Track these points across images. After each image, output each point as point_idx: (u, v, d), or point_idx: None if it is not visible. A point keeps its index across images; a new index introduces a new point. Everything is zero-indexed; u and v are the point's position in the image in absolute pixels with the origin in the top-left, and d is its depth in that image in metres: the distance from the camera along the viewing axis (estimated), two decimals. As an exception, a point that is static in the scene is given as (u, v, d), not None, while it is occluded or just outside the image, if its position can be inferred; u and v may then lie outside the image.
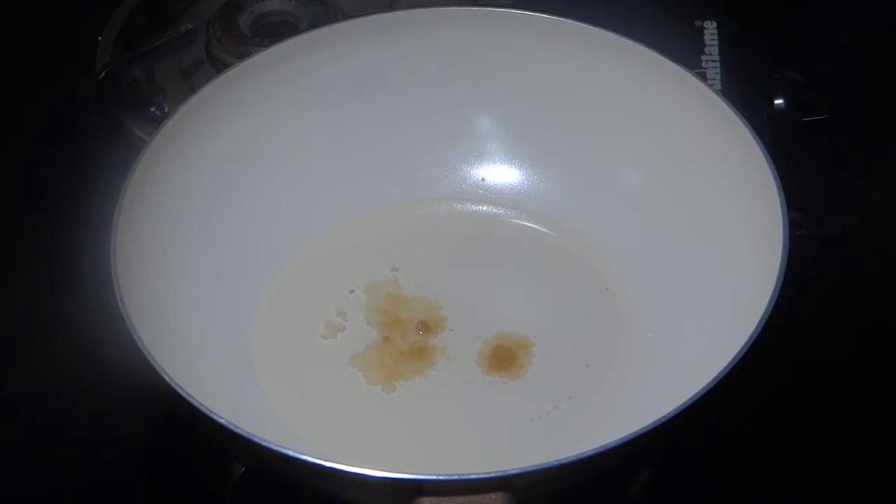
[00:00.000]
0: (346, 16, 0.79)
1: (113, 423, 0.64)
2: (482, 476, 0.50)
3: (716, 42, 0.77)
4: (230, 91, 0.68)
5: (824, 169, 0.74)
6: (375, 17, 0.71)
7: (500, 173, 0.73)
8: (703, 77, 0.70)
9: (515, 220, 0.71)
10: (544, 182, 0.71)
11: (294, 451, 0.51)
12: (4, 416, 0.64)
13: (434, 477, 0.50)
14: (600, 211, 0.69)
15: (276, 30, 0.80)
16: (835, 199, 0.73)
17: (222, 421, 0.51)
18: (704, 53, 0.76)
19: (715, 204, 0.64)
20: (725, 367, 0.52)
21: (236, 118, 0.68)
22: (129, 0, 0.82)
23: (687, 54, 0.72)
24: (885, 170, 0.75)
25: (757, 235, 0.60)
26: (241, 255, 0.67)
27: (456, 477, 0.50)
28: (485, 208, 0.72)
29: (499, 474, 0.50)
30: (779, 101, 0.74)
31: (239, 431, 0.51)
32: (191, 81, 0.78)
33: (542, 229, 0.70)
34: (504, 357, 0.64)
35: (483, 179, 0.73)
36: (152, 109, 0.76)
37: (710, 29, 0.78)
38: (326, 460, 0.50)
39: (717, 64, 0.76)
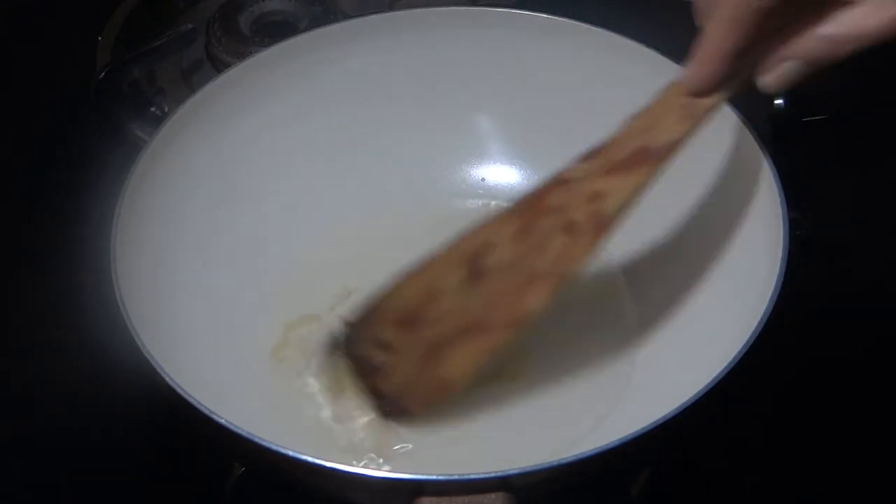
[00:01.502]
0: (346, 16, 0.79)
1: (113, 423, 0.64)
2: (482, 476, 0.50)
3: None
4: (230, 91, 0.68)
5: (824, 169, 0.74)
6: (375, 17, 0.71)
7: (500, 173, 0.73)
8: (703, 77, 0.70)
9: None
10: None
11: (294, 451, 0.51)
12: (4, 416, 0.64)
13: (434, 477, 0.50)
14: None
15: (276, 30, 0.80)
16: (835, 199, 0.73)
17: (222, 421, 0.51)
18: (704, 53, 0.76)
19: (715, 204, 0.64)
20: (725, 367, 0.52)
21: (236, 118, 0.68)
22: (129, 0, 0.82)
23: (687, 54, 0.72)
24: (884, 170, 0.75)
25: (757, 235, 0.60)
26: (241, 255, 0.67)
27: (456, 477, 0.50)
28: (485, 208, 0.72)
29: (499, 474, 0.50)
30: (779, 101, 0.74)
31: (239, 431, 0.51)
32: (191, 81, 0.78)
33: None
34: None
35: (483, 179, 0.73)
36: (152, 109, 0.76)
37: (710, 29, 0.78)
38: (326, 460, 0.50)
39: (717, 64, 0.75)
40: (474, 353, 0.57)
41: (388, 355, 0.58)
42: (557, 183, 0.57)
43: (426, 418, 0.59)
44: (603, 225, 0.55)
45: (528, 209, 0.57)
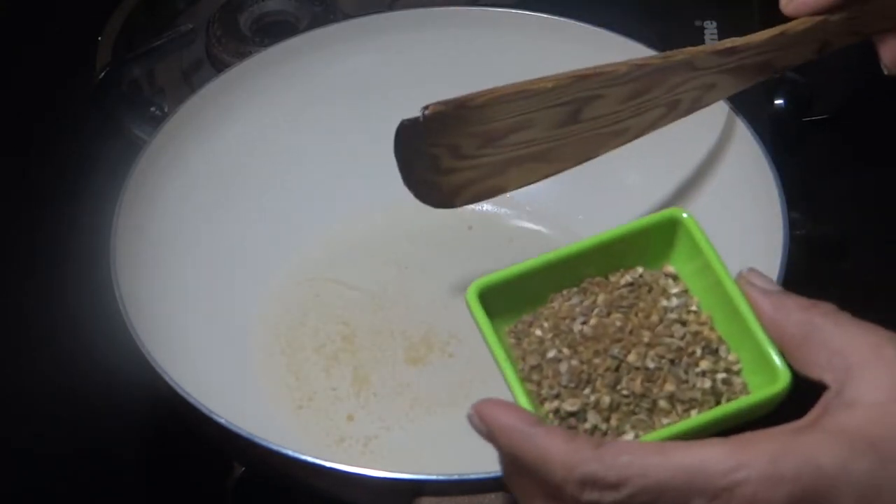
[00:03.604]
0: (346, 16, 0.79)
1: (113, 423, 0.64)
2: (482, 476, 0.50)
3: (716, 42, 0.77)
4: (230, 91, 0.68)
5: (824, 169, 0.74)
6: (375, 17, 0.71)
7: (500, 173, 0.72)
8: (703, 77, 0.70)
9: (515, 220, 0.71)
10: (544, 182, 0.71)
11: (294, 451, 0.51)
12: (4, 417, 0.64)
13: (434, 477, 0.50)
14: (601, 210, 0.69)
15: (276, 30, 0.80)
16: (835, 199, 0.73)
17: (222, 421, 0.51)
18: (704, 53, 0.76)
19: (715, 204, 0.64)
20: (725, 367, 0.52)
21: (236, 118, 0.68)
22: (129, 0, 0.82)
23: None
24: (884, 170, 0.75)
25: (757, 235, 0.60)
26: (240, 255, 0.67)
27: (456, 477, 0.50)
28: (485, 208, 0.72)
29: (499, 474, 0.50)
30: (779, 101, 0.74)
31: (239, 431, 0.51)
32: (191, 81, 0.78)
33: (542, 229, 0.71)
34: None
35: (483, 179, 0.73)
36: (152, 109, 0.76)
37: (710, 29, 0.78)
38: (326, 460, 0.50)
39: (717, 64, 0.76)
40: (533, 175, 0.60)
41: (456, 162, 0.58)
42: (688, 66, 0.58)
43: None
44: (696, 109, 0.60)
45: (651, 77, 0.58)
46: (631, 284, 0.45)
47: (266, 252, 0.68)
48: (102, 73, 0.75)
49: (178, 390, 0.53)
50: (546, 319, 0.45)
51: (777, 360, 0.42)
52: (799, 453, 0.37)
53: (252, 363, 0.64)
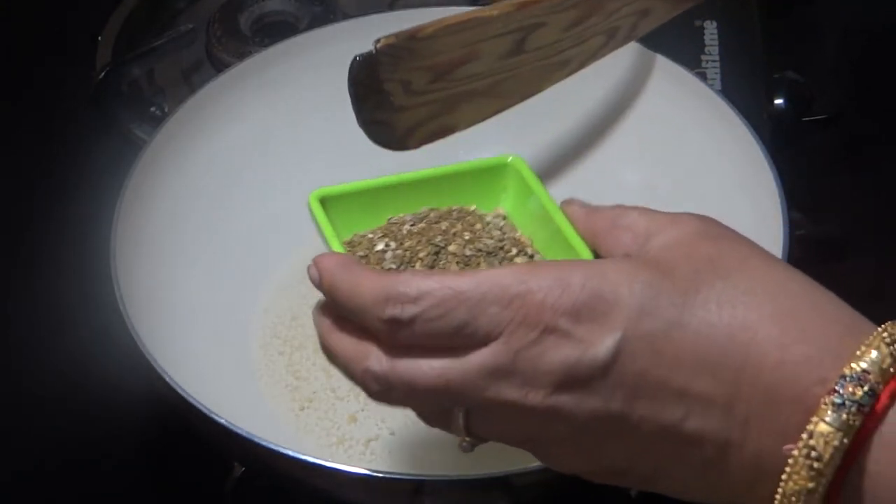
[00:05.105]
0: (346, 16, 0.79)
1: (113, 423, 0.64)
2: (482, 476, 0.50)
3: (716, 42, 0.77)
4: (230, 91, 0.68)
5: (824, 169, 0.74)
6: (375, 16, 0.71)
7: (500, 173, 0.72)
8: (703, 77, 0.70)
9: (515, 221, 0.71)
10: (543, 182, 0.71)
11: (294, 451, 0.51)
12: (4, 417, 0.64)
13: (434, 477, 0.50)
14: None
15: (276, 30, 0.80)
16: (835, 199, 0.73)
17: (222, 421, 0.51)
18: (704, 53, 0.76)
19: (715, 204, 0.64)
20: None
21: (236, 118, 0.68)
22: (129, 0, 0.82)
23: (687, 54, 0.72)
24: (884, 170, 0.75)
25: (757, 235, 0.60)
26: (240, 255, 0.67)
27: (456, 477, 0.50)
28: (485, 208, 0.72)
29: (499, 474, 0.50)
30: (779, 101, 0.74)
31: (239, 431, 0.51)
32: (191, 81, 0.78)
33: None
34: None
35: (483, 179, 0.73)
36: (152, 109, 0.76)
37: (710, 29, 0.78)
38: (326, 460, 0.50)
39: (717, 64, 0.76)
40: (482, 111, 0.60)
41: (409, 98, 0.59)
42: None
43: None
44: (633, 38, 0.62)
45: (589, 3, 0.59)
46: (461, 210, 0.50)
47: (266, 251, 0.68)
48: (102, 73, 0.75)
49: (178, 390, 0.53)
50: (381, 230, 0.49)
51: (587, 253, 0.46)
52: (587, 267, 0.41)
53: (252, 363, 0.64)
